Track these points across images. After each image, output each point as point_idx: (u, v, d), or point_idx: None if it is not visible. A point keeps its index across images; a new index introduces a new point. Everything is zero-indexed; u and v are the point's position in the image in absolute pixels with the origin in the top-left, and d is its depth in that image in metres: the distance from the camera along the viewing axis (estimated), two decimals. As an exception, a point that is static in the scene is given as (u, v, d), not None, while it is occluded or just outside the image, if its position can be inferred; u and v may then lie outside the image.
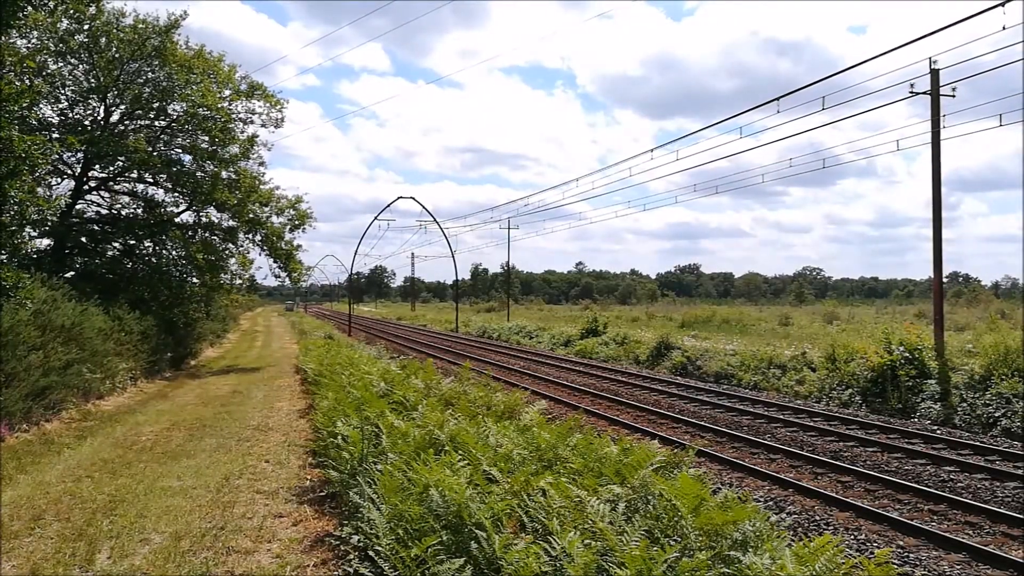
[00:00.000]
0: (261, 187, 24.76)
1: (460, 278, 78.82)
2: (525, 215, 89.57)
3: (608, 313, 50.88)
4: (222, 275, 24.37)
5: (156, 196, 24.27)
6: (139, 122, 23.57)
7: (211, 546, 6.02)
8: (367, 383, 10.53)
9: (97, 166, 22.27)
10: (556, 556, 4.04)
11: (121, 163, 22.25)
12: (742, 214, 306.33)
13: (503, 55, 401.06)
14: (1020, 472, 10.23)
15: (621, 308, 76.39)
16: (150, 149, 22.69)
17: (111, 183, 23.49)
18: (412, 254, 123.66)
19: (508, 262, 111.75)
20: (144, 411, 14.03)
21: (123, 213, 23.83)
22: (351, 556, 5.39)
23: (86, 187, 22.52)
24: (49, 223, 19.42)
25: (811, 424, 14.02)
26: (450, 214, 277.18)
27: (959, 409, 14.70)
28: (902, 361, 16.55)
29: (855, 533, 7.89)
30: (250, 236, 24.92)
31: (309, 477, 8.39)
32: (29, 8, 13.10)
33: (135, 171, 22.99)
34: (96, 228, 23.33)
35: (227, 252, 24.69)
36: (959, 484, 9.90)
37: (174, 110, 23.20)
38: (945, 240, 18.09)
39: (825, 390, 18.10)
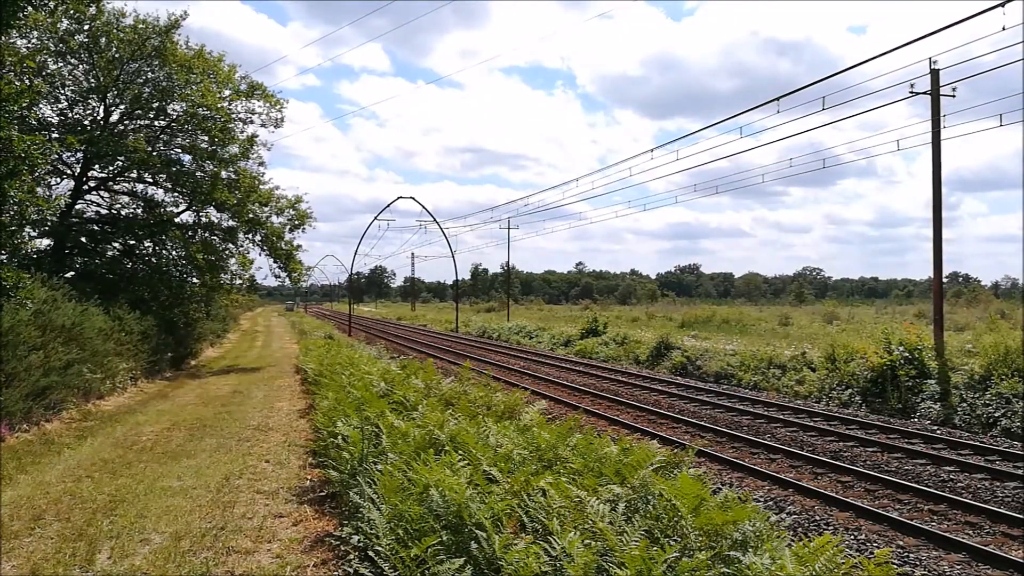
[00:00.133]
0: (261, 187, 24.76)
1: (460, 278, 78.83)
2: (525, 215, 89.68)
3: (608, 313, 50.89)
4: (222, 275, 24.38)
5: (156, 196, 24.31)
6: (139, 122, 23.57)
7: (211, 546, 6.02)
8: (367, 383, 10.53)
9: (97, 166, 22.27)
10: (556, 556, 4.04)
11: (121, 163, 22.26)
12: (742, 214, 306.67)
13: (503, 55, 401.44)
14: (1020, 472, 10.23)
15: (621, 308, 76.40)
16: (150, 149, 22.69)
17: (111, 183, 23.49)
18: (412, 254, 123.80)
19: (508, 262, 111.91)
20: (144, 411, 14.03)
21: (123, 213, 23.84)
22: (351, 556, 5.39)
23: (86, 187, 22.52)
24: (49, 223, 19.43)
25: (811, 424, 14.02)
26: (450, 214, 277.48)
27: (959, 409, 14.70)
28: (902, 361, 16.56)
29: (855, 533, 7.89)
30: (250, 236, 24.92)
31: (309, 477, 8.39)
32: (29, 8, 13.10)
33: (135, 171, 22.99)
34: (96, 228, 23.33)
35: (227, 252, 24.69)
36: (959, 484, 9.90)
37: (174, 110, 23.22)
38: (945, 240, 18.12)
39: (825, 390, 18.10)
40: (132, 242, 23.22)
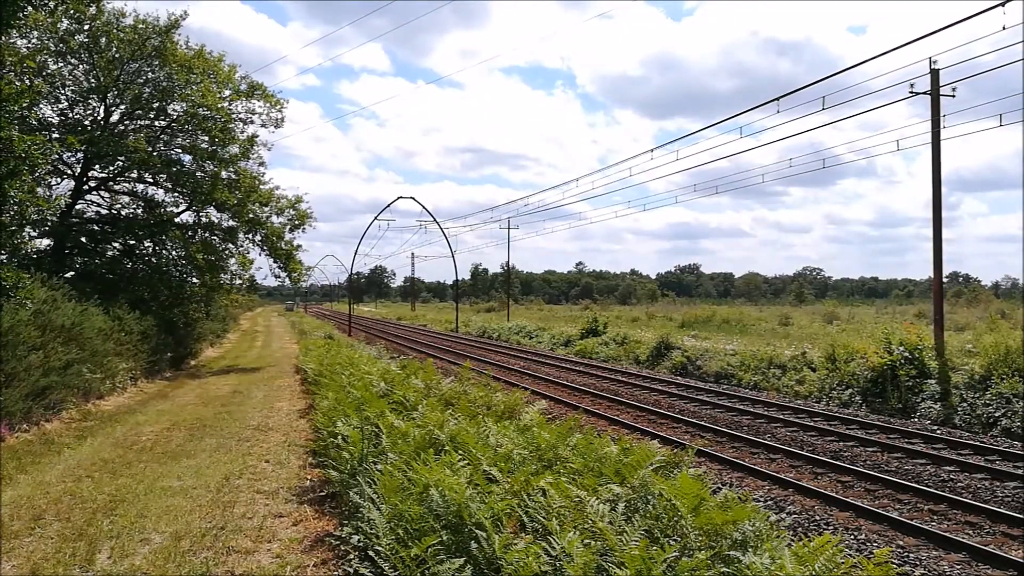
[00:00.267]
0: (261, 187, 24.76)
1: (460, 278, 78.85)
2: (525, 215, 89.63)
3: (608, 313, 50.90)
4: (222, 275, 24.38)
5: (156, 196, 24.32)
6: (139, 122, 23.58)
7: (211, 546, 6.02)
8: (367, 383, 10.53)
9: (97, 166, 22.27)
10: (556, 556, 4.04)
11: (121, 163, 22.27)
12: (742, 214, 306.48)
13: (503, 55, 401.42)
14: (1020, 472, 10.23)
15: (621, 308, 76.40)
16: (150, 149, 22.69)
17: (111, 183, 23.50)
18: (412, 254, 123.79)
19: (508, 262, 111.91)
20: (144, 411, 14.03)
21: (123, 213, 23.84)
22: (351, 556, 5.39)
23: (86, 187, 22.53)
24: (49, 223, 19.44)
25: (811, 424, 14.02)
26: (450, 214, 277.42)
27: (959, 409, 14.70)
28: (902, 361, 16.56)
29: (855, 533, 7.89)
30: (250, 236, 24.93)
31: (309, 477, 8.39)
32: (29, 8, 13.10)
33: (135, 171, 22.99)
34: (96, 228, 23.33)
35: (227, 252, 24.70)
36: (959, 484, 9.90)
37: (174, 110, 23.22)
38: (945, 240, 18.11)
39: (825, 390, 18.10)
40: (132, 242, 23.22)
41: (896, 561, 7.07)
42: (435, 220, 46.19)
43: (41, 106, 20.08)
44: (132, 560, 5.72)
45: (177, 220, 24.14)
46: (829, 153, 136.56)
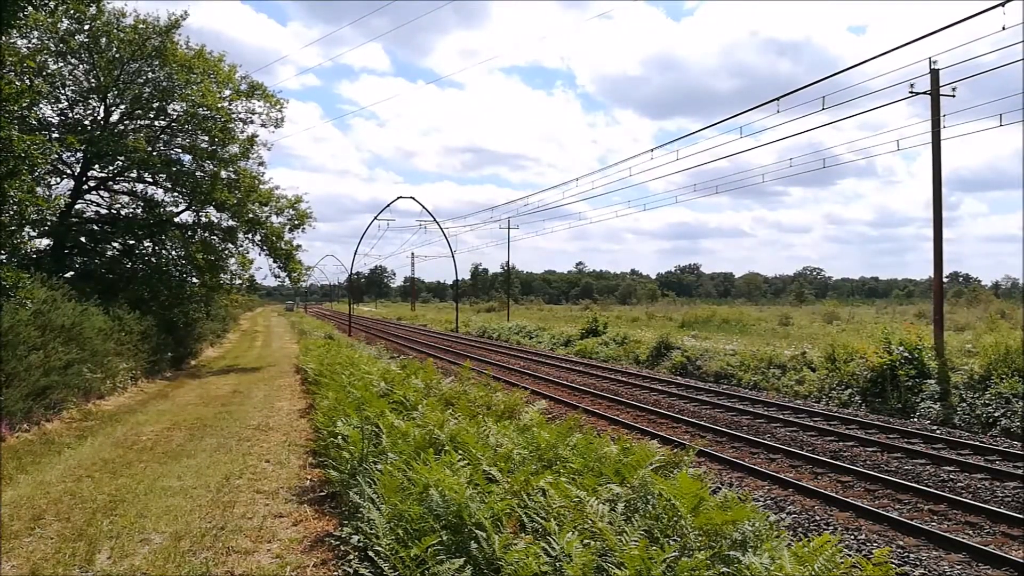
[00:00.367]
0: (261, 187, 24.76)
1: (460, 278, 78.86)
2: (525, 215, 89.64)
3: (608, 313, 50.93)
4: (222, 275, 24.40)
5: (156, 196, 24.30)
6: (139, 122, 23.58)
7: (211, 546, 6.02)
8: (367, 383, 10.53)
9: (97, 166, 22.27)
10: (556, 556, 4.04)
11: (121, 163, 22.26)
12: (742, 214, 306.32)
13: (503, 55, 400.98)
14: (1020, 472, 10.23)
15: (621, 308, 76.42)
16: (150, 149, 22.70)
17: (111, 183, 23.50)
18: (412, 254, 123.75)
19: (508, 262, 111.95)
20: (144, 411, 14.04)
21: (123, 213, 23.83)
22: (351, 556, 5.40)
23: (86, 187, 22.53)
24: (49, 223, 19.43)
25: (811, 424, 14.03)
26: (450, 214, 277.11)
27: (959, 409, 14.70)
28: (902, 361, 16.56)
29: (855, 533, 7.89)
30: (250, 236, 24.93)
31: (309, 477, 8.39)
32: (29, 8, 13.10)
33: (135, 171, 22.99)
34: (96, 228, 23.34)
35: (227, 252, 24.71)
36: (959, 484, 9.90)
37: (174, 110, 23.23)
38: (945, 240, 18.11)
39: (825, 390, 18.11)
40: (132, 242, 23.22)
41: (896, 561, 7.08)
42: (435, 220, 46.23)
43: (41, 106, 20.07)
44: (132, 560, 5.72)
45: (177, 220, 24.15)
46: (829, 153, 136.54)
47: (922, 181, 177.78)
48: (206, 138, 23.60)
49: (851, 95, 37.25)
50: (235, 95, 24.00)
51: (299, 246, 25.96)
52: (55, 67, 20.87)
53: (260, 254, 25.33)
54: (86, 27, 20.98)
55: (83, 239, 22.74)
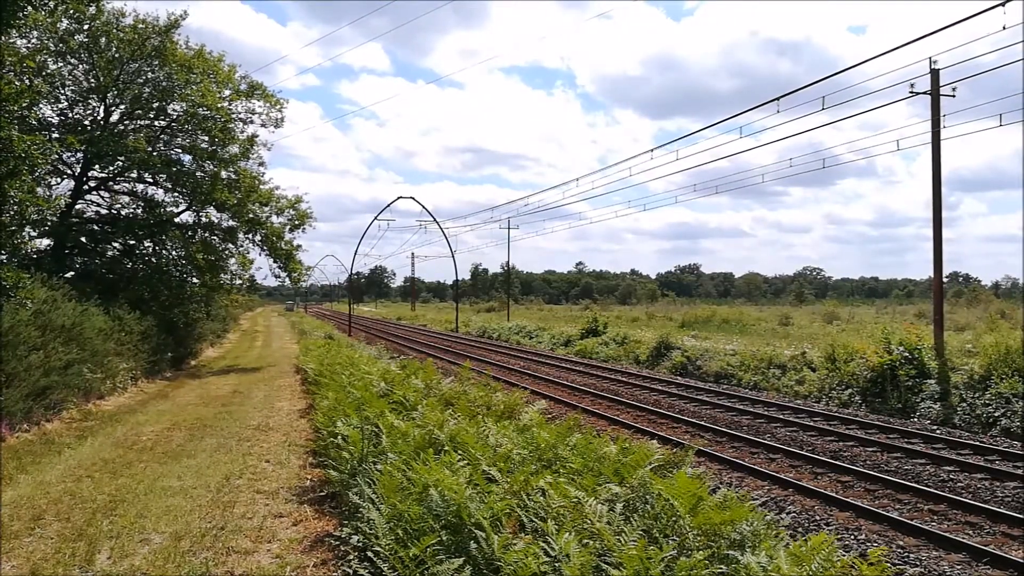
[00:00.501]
0: (261, 187, 24.77)
1: (460, 278, 78.89)
2: (525, 215, 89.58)
3: (608, 313, 50.92)
4: (222, 275, 24.41)
5: (156, 196, 24.31)
6: (139, 122, 23.58)
7: (211, 546, 6.02)
8: (367, 383, 10.54)
9: (97, 166, 22.28)
10: (555, 556, 4.05)
11: (121, 163, 22.27)
12: (742, 214, 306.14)
13: (503, 55, 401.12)
14: (1020, 472, 10.23)
15: (621, 308, 76.42)
16: (150, 149, 22.71)
17: (111, 183, 23.51)
18: (412, 254, 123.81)
19: (508, 262, 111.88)
20: (144, 411, 14.04)
21: (123, 213, 23.84)
22: (351, 556, 5.40)
23: (86, 187, 22.53)
24: (49, 223, 19.43)
25: (811, 424, 14.03)
26: (450, 214, 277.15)
27: (959, 409, 14.70)
28: (902, 361, 16.56)
29: (855, 533, 7.89)
30: (250, 236, 24.94)
31: (309, 477, 8.39)
32: (29, 8, 13.10)
33: (135, 171, 23.00)
34: (96, 228, 23.35)
35: (227, 252, 24.72)
36: (959, 484, 9.90)
37: (174, 110, 23.23)
38: (945, 240, 18.11)
39: (825, 390, 18.11)
40: (132, 242, 23.23)
41: (897, 561, 7.08)
42: (435, 220, 46.22)
43: (41, 106, 20.07)
44: (132, 560, 5.72)
45: (177, 220, 24.16)
46: (829, 153, 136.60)
47: (922, 181, 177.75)
48: (206, 138, 23.61)
49: (851, 95, 37.26)
50: (235, 95, 24.01)
51: (299, 246, 26.01)
52: (55, 67, 20.88)
53: (260, 254, 25.38)
54: (85, 27, 20.98)
55: (83, 239, 22.75)
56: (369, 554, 4.87)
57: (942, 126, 17.61)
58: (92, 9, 19.81)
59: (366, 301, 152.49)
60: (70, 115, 22.05)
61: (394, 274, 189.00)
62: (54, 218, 19.61)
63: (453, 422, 7.57)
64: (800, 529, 8.00)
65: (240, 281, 26.02)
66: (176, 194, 24.14)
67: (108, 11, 21.13)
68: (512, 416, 9.02)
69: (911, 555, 7.27)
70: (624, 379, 21.71)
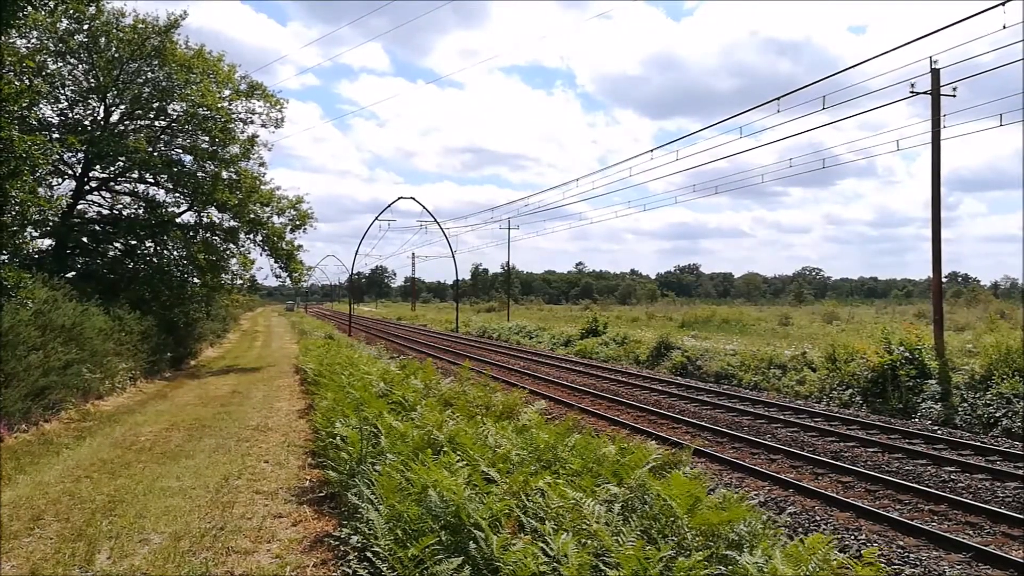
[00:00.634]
0: (262, 187, 24.78)
1: (460, 278, 78.86)
2: (525, 215, 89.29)
3: (608, 313, 50.90)
4: (223, 275, 24.42)
5: (157, 196, 24.32)
6: (139, 122, 23.59)
7: (211, 546, 6.02)
8: (366, 383, 10.53)
9: (98, 166, 22.29)
10: (554, 556, 4.04)
11: (121, 163, 22.28)
12: (742, 214, 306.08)
13: (503, 55, 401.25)
14: (1021, 472, 10.22)
15: (621, 308, 76.40)
16: (150, 149, 22.71)
17: (112, 183, 23.52)
18: (412, 254, 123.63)
19: (508, 262, 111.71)
20: (143, 411, 14.04)
21: (124, 213, 23.86)
22: (350, 556, 5.39)
23: (87, 187, 22.54)
24: (50, 223, 19.43)
25: (811, 424, 14.01)
26: (450, 214, 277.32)
27: (959, 409, 14.69)
28: (902, 361, 16.55)
29: (856, 533, 7.89)
30: (251, 236, 24.95)
31: (308, 477, 8.39)
32: (29, 8, 13.11)
33: (136, 171, 23.01)
34: (97, 228, 23.36)
35: (228, 252, 24.72)
36: (960, 484, 9.89)
37: (174, 110, 23.24)
38: (944, 240, 18.11)
39: (825, 390, 18.10)
40: (133, 242, 23.24)
41: (897, 561, 7.07)
42: (435, 220, 46.23)
43: (41, 106, 20.07)
44: (131, 560, 5.72)
45: (178, 220, 24.15)
46: (829, 153, 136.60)
47: (922, 181, 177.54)
48: (206, 138, 23.61)
49: (851, 95, 37.29)
50: (235, 95, 24.01)
51: (300, 246, 26.02)
52: (55, 67, 20.88)
53: (261, 254, 25.40)
54: (85, 27, 20.99)
55: (85, 239, 22.76)
56: (368, 554, 4.87)
57: (942, 126, 17.60)
58: (92, 9, 19.81)
59: (366, 301, 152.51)
60: (70, 115, 22.06)
61: (394, 274, 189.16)
62: (56, 218, 19.61)
63: (452, 423, 7.56)
64: (800, 529, 7.98)
65: (241, 281, 26.05)
66: (177, 194, 24.15)
67: (108, 11, 21.14)
68: (511, 416, 9.02)
69: (911, 555, 7.26)
70: (624, 379, 21.70)
